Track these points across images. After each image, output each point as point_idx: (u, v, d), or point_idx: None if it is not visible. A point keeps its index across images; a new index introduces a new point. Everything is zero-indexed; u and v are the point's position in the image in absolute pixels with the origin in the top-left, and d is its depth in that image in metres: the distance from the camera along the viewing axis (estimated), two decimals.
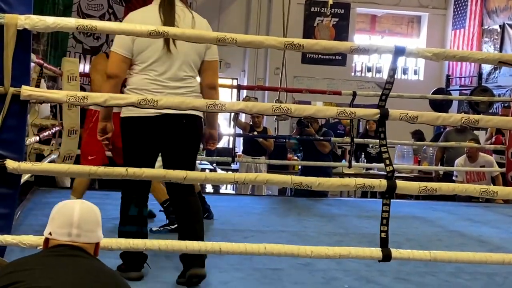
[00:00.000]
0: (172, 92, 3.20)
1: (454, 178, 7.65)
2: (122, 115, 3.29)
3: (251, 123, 8.03)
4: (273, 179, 2.92)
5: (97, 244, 1.96)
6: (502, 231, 5.49)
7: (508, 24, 10.79)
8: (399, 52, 2.88)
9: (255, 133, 7.92)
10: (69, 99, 2.69)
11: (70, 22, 2.68)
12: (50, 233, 1.91)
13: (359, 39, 12.65)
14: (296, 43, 2.76)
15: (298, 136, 7.16)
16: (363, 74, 12.71)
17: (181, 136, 3.27)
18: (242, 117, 7.51)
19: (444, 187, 3.02)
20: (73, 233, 1.88)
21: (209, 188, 9.00)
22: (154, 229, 4.58)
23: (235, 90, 8.03)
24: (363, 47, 2.86)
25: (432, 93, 9.90)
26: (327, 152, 7.19)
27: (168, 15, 3.19)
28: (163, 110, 3.04)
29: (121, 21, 4.20)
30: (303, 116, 2.93)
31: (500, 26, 11.03)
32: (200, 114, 3.31)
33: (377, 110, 2.96)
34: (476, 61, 2.99)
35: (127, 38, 3.13)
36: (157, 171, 2.93)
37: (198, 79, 3.38)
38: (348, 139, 6.92)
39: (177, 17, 3.23)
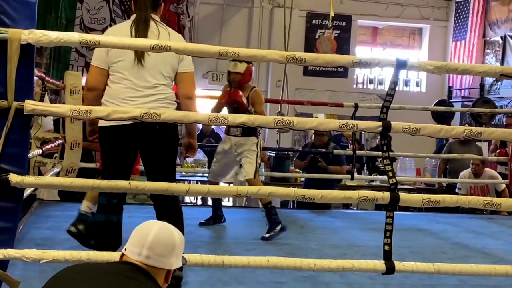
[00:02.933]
0: (146, 100, 3.37)
1: (457, 190, 7.63)
2: (99, 125, 3.45)
3: None
4: (275, 191, 2.92)
5: (169, 271, 1.90)
6: (506, 243, 5.48)
7: (510, 36, 10.82)
8: (400, 65, 2.89)
9: None
10: (72, 113, 2.69)
11: (73, 37, 2.69)
12: (125, 249, 1.90)
13: (360, 51, 12.68)
14: (298, 57, 2.77)
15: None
16: (365, 86, 12.73)
17: (156, 142, 3.42)
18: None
19: (448, 199, 3.01)
20: (143, 254, 1.84)
21: (210, 201, 8.98)
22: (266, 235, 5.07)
23: None
24: (365, 60, 2.87)
25: (434, 105, 9.90)
26: (325, 167, 7.22)
27: (141, 32, 3.39)
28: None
29: None
30: (305, 128, 2.92)
31: (501, 37, 11.06)
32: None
33: (380, 123, 2.96)
34: (478, 74, 3.00)
35: (102, 50, 3.38)
36: (160, 184, 2.93)
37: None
38: (350, 152, 6.93)
39: (151, 34, 3.41)
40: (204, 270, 3.76)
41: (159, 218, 3.38)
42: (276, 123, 2.86)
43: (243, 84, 5.28)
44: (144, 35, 3.38)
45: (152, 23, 3.46)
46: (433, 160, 9.09)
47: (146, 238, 1.86)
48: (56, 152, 5.85)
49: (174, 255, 1.89)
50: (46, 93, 5.27)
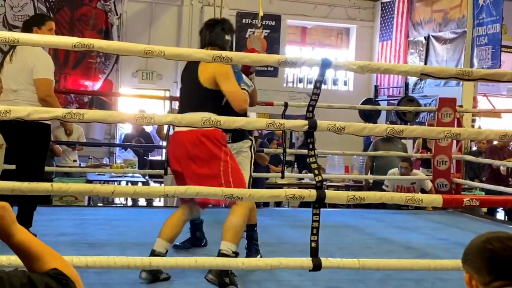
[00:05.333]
0: (11, 102, 4.09)
1: (384, 187, 7.82)
2: None
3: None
4: (203, 191, 2.91)
5: None
6: (429, 237, 5.64)
7: (433, 36, 11.18)
8: (326, 65, 2.93)
9: None
10: None
11: None
12: None
13: (290, 50, 12.81)
14: (225, 56, 2.77)
15: None
16: (295, 85, 12.87)
17: (14, 136, 4.08)
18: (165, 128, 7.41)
19: (371, 195, 3.08)
20: None
21: (142, 202, 8.88)
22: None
23: (168, 102, 7.96)
24: (291, 60, 2.89)
25: (361, 103, 10.13)
26: (266, 165, 7.22)
27: (6, 54, 4.31)
28: None
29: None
30: (233, 127, 2.93)
31: (425, 37, 11.42)
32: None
33: (306, 122, 3.00)
34: (400, 73, 3.08)
35: None
36: (85, 186, 2.87)
37: None
38: (281, 150, 6.99)
39: (18, 53, 4.27)
40: (132, 272, 3.70)
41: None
42: (204, 123, 2.85)
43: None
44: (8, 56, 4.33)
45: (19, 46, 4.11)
46: (361, 158, 9.29)
47: None
48: None
49: None
50: None
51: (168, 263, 2.82)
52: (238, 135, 4.32)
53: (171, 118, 2.87)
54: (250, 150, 4.42)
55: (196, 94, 3.62)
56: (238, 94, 3.59)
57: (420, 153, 8.50)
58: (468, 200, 3.01)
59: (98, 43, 2.70)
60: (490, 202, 3.30)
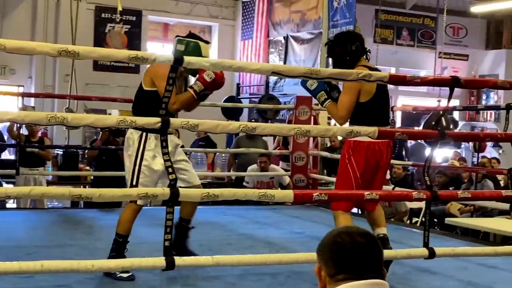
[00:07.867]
0: None
1: (244, 184, 7.95)
2: None
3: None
4: (50, 192, 2.78)
5: None
6: (287, 232, 5.80)
7: (291, 36, 11.52)
8: (177, 61, 2.90)
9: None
10: None
11: None
12: None
13: (152, 46, 12.65)
14: (71, 50, 2.66)
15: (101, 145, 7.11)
16: None
17: None
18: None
19: (226, 192, 3.10)
20: None
21: None
22: None
23: (20, 98, 7.55)
24: (142, 56, 2.83)
25: (224, 101, 10.21)
26: None
27: None
28: None
29: None
30: (81, 125, 2.82)
31: (284, 37, 11.74)
32: None
33: (159, 119, 2.95)
34: (252, 71, 3.12)
35: None
36: None
37: None
38: None
39: None
40: None
41: None
42: (49, 120, 2.71)
43: None
44: None
45: None
46: (223, 155, 9.37)
47: None
48: None
49: None
50: None
51: (11, 269, 2.66)
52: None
53: (14, 115, 2.70)
54: (140, 143, 4.14)
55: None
56: None
57: (279, 148, 8.73)
58: (317, 195, 3.11)
59: None
60: (337, 196, 3.44)
